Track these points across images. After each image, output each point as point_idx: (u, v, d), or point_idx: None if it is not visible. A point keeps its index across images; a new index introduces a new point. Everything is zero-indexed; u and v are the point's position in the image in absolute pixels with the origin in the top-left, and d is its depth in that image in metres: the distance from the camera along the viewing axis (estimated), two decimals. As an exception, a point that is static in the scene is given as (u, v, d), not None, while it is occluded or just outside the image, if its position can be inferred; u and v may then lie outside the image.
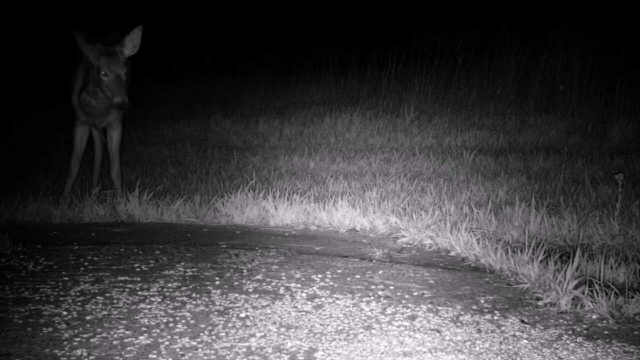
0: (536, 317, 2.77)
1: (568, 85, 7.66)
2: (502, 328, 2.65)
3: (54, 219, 4.12)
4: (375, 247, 3.61)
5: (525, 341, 2.54)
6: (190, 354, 2.39)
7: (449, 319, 2.72)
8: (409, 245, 3.70)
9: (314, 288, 3.02)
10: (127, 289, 2.98)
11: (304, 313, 2.75)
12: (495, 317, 2.75)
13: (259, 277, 3.15)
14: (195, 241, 3.71)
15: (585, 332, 2.64)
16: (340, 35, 9.25)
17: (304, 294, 2.95)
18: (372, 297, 2.92)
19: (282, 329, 2.60)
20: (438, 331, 2.61)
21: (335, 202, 4.18)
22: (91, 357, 2.36)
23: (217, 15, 9.98)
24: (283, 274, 3.19)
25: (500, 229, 3.85)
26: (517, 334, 2.61)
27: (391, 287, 3.04)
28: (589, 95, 7.54)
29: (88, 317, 2.68)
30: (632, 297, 2.83)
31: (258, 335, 2.55)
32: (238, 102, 8.19)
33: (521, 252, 3.32)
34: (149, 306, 2.80)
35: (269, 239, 3.78)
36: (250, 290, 2.99)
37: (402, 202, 4.33)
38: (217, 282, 3.07)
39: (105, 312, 2.73)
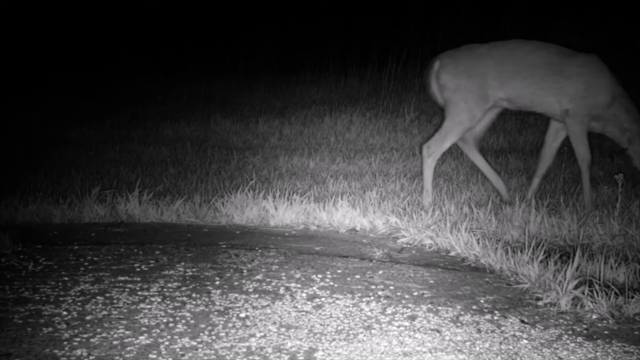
0: (536, 317, 2.77)
1: (568, 85, 7.62)
2: (502, 328, 2.65)
3: (54, 219, 4.12)
4: (375, 247, 3.60)
5: (525, 341, 2.54)
6: (190, 354, 2.39)
7: (449, 319, 2.72)
8: (409, 245, 3.70)
9: (314, 288, 3.02)
10: (127, 289, 2.98)
11: (304, 313, 2.75)
12: (495, 317, 2.75)
13: (259, 277, 3.14)
14: (195, 241, 3.71)
15: (585, 332, 2.64)
16: (340, 35, 9.25)
17: (304, 294, 2.95)
18: (372, 297, 2.92)
19: (282, 329, 2.60)
20: (438, 331, 2.61)
21: (335, 202, 4.18)
22: (91, 357, 2.36)
23: (218, 15, 9.98)
24: (283, 274, 3.19)
25: (500, 229, 3.85)
26: (517, 334, 2.60)
27: (391, 287, 3.04)
28: (589, 95, 7.51)
29: (88, 317, 2.68)
30: (632, 297, 2.83)
31: (258, 335, 2.55)
32: (238, 102, 8.18)
33: (521, 252, 3.32)
34: (149, 306, 2.80)
35: (269, 239, 3.78)
36: (250, 290, 2.99)
37: (402, 202, 4.33)
38: (217, 282, 3.07)
39: (105, 312, 2.73)
